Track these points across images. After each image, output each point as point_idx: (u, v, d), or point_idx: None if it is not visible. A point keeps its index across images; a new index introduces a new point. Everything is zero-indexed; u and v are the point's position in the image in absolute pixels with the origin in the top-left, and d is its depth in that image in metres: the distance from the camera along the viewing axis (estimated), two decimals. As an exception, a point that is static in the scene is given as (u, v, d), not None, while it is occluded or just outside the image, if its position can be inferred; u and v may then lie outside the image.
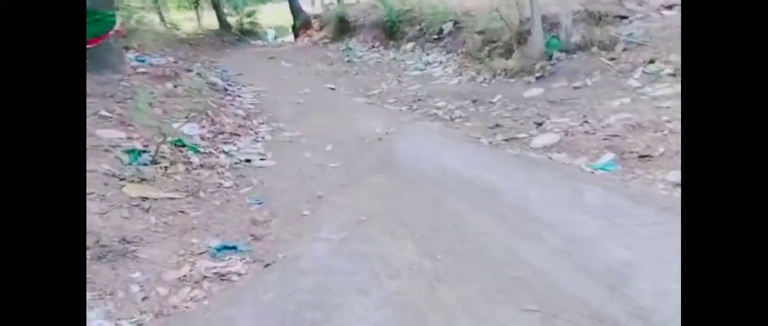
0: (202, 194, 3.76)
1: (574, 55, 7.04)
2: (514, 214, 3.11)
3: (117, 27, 6.42)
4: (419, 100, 7.62)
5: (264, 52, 16.49)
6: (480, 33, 10.04)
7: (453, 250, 2.72)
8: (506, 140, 4.91)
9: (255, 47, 18.24)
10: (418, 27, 12.33)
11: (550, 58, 7.12)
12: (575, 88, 6.26)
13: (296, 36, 18.76)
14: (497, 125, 5.46)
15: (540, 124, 5.15)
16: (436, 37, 11.43)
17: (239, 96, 8.64)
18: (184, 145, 4.68)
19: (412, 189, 3.79)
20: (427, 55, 11.06)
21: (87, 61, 6.49)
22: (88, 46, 6.23)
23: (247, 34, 19.05)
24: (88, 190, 3.22)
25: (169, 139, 4.44)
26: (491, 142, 4.94)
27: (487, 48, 9.18)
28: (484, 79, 7.88)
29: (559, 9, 7.56)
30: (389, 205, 3.47)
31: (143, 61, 7.85)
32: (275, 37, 21.24)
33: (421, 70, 10.15)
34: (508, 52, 8.35)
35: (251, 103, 8.08)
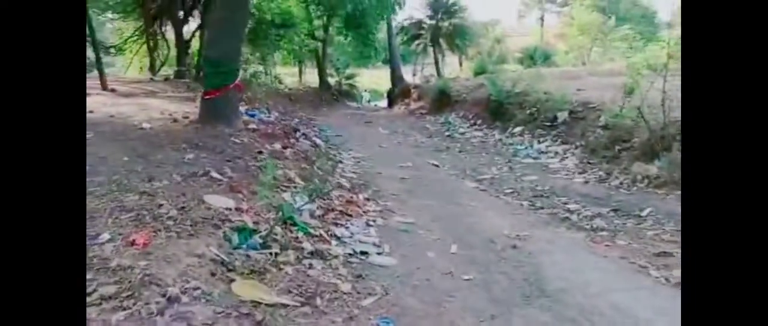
0: (318, 301, 3.02)
1: (743, 173, 5.88)
2: None
3: (237, 81, 6.17)
4: (542, 195, 6.68)
5: (359, 114, 16.39)
6: (604, 128, 9.08)
7: None
8: (690, 280, 3.83)
9: (350, 108, 18.30)
10: (528, 111, 11.56)
11: (712, 171, 5.99)
12: (752, 214, 5.07)
13: (391, 102, 18.67)
14: (664, 253, 4.38)
15: (731, 264, 4.03)
16: (548, 124, 10.58)
17: (340, 162, 8.16)
18: (295, 224, 4.06)
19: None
20: (539, 142, 10.19)
21: (204, 113, 6.27)
22: (207, 97, 6.02)
23: (344, 94, 19.28)
24: (194, 284, 2.59)
25: (286, 216, 3.83)
26: (667, 278, 3.87)
27: (616, 146, 8.18)
28: (621, 183, 6.83)
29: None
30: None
31: (253, 115, 7.62)
32: (369, 100, 21.41)
33: (535, 158, 9.25)
34: (646, 156, 7.27)
35: (353, 172, 7.53)
